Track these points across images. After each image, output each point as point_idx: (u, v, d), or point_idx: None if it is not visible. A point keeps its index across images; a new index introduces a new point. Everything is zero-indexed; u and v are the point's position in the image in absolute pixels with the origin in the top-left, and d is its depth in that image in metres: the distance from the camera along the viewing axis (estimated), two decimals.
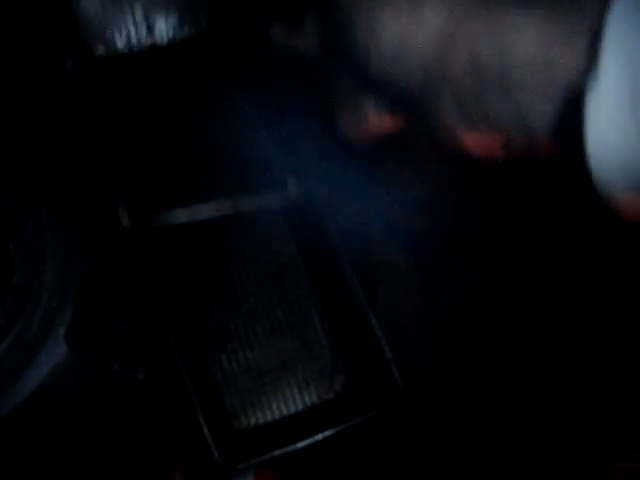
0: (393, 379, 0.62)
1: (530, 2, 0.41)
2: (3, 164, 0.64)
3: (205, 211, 0.65)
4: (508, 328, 0.79)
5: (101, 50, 0.64)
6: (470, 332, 0.79)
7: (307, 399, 0.67)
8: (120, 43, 0.65)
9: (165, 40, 0.66)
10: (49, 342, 0.59)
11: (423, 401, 0.72)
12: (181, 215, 0.64)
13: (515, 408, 0.76)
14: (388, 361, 0.63)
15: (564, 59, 0.38)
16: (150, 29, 0.65)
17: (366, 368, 0.66)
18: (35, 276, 0.61)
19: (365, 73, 0.46)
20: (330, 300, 0.69)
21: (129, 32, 0.65)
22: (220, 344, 0.68)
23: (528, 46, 0.39)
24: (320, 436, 0.62)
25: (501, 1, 0.41)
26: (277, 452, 0.61)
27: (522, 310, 0.80)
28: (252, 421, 0.66)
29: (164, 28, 0.65)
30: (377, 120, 0.50)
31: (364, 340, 0.65)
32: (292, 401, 0.67)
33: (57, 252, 0.62)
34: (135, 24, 0.65)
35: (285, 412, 0.67)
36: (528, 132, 0.41)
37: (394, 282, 0.82)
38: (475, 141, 0.45)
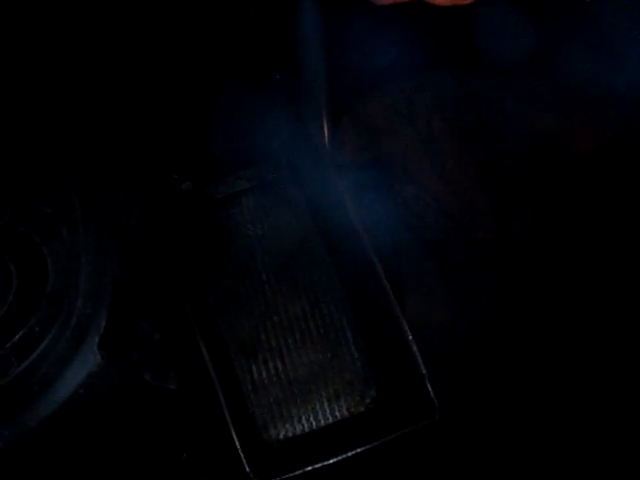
0: (428, 396, 0.62)
1: None
2: (39, 169, 0.64)
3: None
4: (536, 340, 0.79)
5: None
6: (498, 345, 0.79)
7: (337, 412, 0.67)
8: None
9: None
10: (83, 350, 0.58)
11: (452, 414, 0.71)
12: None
13: (546, 421, 0.75)
14: (423, 377, 0.62)
15: None
16: None
17: (398, 383, 0.65)
18: (69, 283, 0.60)
19: None
20: (363, 312, 0.68)
21: None
22: (251, 354, 0.67)
23: None
24: (351, 452, 0.61)
25: None
26: (308, 467, 0.61)
27: (551, 322, 0.79)
28: (282, 434, 0.66)
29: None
30: None
31: (397, 354, 0.65)
32: (322, 414, 0.66)
33: (91, 258, 0.61)
34: None
35: (315, 425, 0.66)
36: None
37: (422, 293, 0.81)
38: None
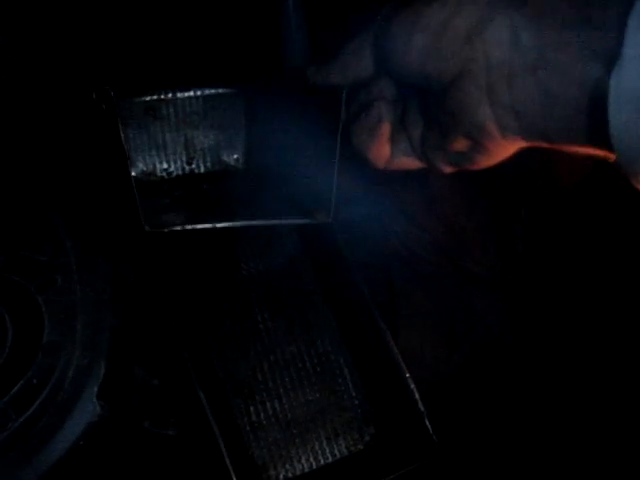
0: (427, 433, 0.62)
1: None
2: (31, 217, 0.64)
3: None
4: (532, 369, 0.79)
5: (142, 178, 0.67)
6: (494, 375, 0.79)
7: (336, 451, 0.67)
8: (160, 172, 0.68)
9: (202, 171, 0.69)
10: (82, 401, 0.58)
11: (449, 446, 0.71)
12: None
13: (545, 451, 0.75)
14: (422, 415, 0.62)
15: (592, 43, 0.40)
16: (189, 162, 0.69)
17: (397, 420, 0.66)
18: (66, 332, 0.60)
19: (403, 69, 0.49)
20: (359, 350, 0.69)
21: (170, 164, 0.69)
22: (248, 396, 0.67)
23: (561, 29, 0.41)
24: None
25: None
26: None
27: (545, 350, 0.80)
28: (282, 474, 0.66)
29: (202, 162, 0.69)
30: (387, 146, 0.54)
31: (395, 392, 0.65)
32: (322, 453, 0.67)
33: (87, 307, 0.61)
34: (175, 157, 0.68)
35: (315, 465, 0.66)
36: (553, 122, 0.43)
37: (415, 325, 0.81)
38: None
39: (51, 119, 0.69)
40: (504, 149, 0.48)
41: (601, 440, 0.75)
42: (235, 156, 0.70)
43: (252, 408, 0.67)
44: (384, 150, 0.54)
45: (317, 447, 0.67)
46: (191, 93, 0.66)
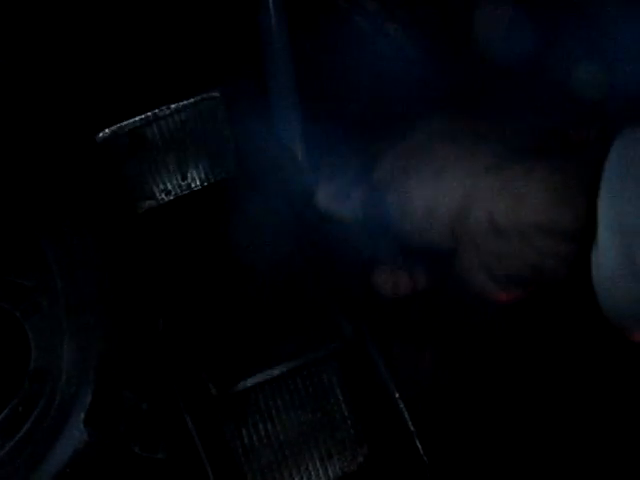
0: (418, 454, 0.61)
1: (533, 171, 0.45)
2: (18, 241, 0.64)
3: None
4: (529, 385, 0.79)
5: (143, 205, 0.69)
6: (487, 388, 0.79)
7: (330, 472, 0.66)
8: (159, 194, 0.70)
9: (199, 184, 0.70)
10: (68, 428, 0.58)
11: (442, 459, 0.71)
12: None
13: (539, 467, 0.75)
14: (412, 435, 0.62)
15: (567, 221, 0.42)
16: (184, 177, 0.70)
17: (388, 441, 0.65)
18: (52, 359, 0.60)
19: (402, 240, 0.54)
20: (351, 370, 0.68)
21: (166, 184, 0.70)
22: (240, 418, 0.67)
23: (536, 210, 0.44)
24: None
25: (512, 172, 0.46)
26: None
27: (540, 363, 0.79)
28: None
29: (196, 175, 0.70)
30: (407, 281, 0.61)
31: (385, 412, 0.64)
32: (315, 474, 0.66)
33: (74, 333, 0.61)
34: (169, 176, 0.69)
35: None
36: (549, 284, 0.48)
37: (409, 342, 0.81)
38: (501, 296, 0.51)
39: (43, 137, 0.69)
40: (510, 298, 0.52)
41: (599, 454, 0.75)
42: (227, 164, 0.70)
43: (244, 430, 0.67)
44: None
45: (310, 468, 0.66)
46: (171, 107, 0.66)
